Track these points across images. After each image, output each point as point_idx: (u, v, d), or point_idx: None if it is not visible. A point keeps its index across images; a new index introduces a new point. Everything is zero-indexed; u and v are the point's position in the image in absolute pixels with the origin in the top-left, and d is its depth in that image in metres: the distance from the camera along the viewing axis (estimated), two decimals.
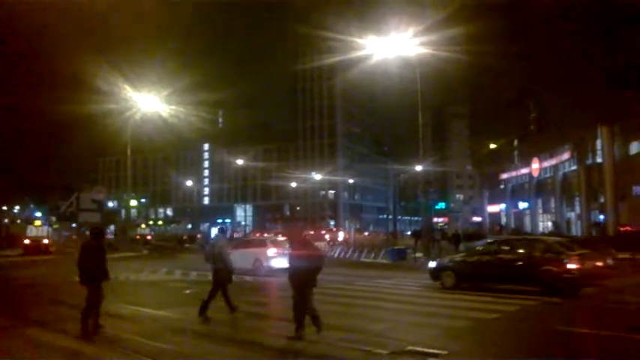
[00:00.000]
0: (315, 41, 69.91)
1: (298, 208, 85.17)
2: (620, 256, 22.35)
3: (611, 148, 32.63)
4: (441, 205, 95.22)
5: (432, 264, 16.05)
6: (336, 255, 32.60)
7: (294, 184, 77.52)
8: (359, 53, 29.65)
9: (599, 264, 13.92)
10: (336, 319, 9.80)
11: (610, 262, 16.25)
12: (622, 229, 29.65)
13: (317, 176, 73.21)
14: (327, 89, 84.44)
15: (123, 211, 60.64)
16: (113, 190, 78.44)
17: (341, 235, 55.35)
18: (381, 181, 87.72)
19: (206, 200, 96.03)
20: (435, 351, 7.55)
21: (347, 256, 31.55)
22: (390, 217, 73.66)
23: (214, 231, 68.95)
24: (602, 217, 34.22)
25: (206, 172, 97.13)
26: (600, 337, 8.49)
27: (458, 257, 16.02)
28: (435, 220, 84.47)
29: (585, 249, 14.62)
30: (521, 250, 14.16)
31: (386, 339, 8.30)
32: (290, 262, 8.63)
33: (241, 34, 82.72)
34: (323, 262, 8.85)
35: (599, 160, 34.11)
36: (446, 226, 74.30)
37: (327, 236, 51.86)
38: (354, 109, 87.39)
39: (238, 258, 21.54)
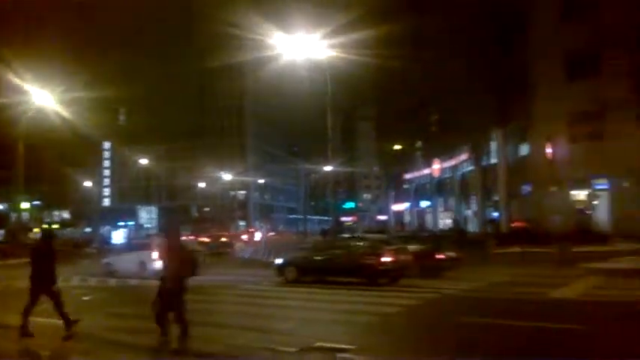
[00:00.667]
0: (223, 39, 68.82)
1: (207, 209, 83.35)
2: (510, 250, 24.12)
3: (504, 150, 35.05)
4: (350, 205, 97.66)
5: (278, 260, 17.14)
6: (247, 256, 32.44)
7: (202, 185, 75.75)
8: (268, 53, 29.57)
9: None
10: (243, 319, 9.69)
11: (453, 254, 18.09)
12: (512, 225, 31.99)
13: (226, 176, 72.10)
14: (237, 88, 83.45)
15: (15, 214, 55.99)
16: (3, 192, 72.20)
17: (258, 236, 55.28)
18: (292, 182, 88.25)
19: (106, 202, 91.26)
20: (344, 346, 7.68)
21: (258, 256, 31.40)
22: (301, 216, 74.36)
23: (119, 233, 65.63)
24: (496, 214, 36.68)
25: (107, 172, 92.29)
26: (504, 327, 9.06)
27: (299, 254, 17.27)
28: (344, 219, 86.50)
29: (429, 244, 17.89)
30: (349, 247, 16.24)
31: (293, 337, 8.33)
32: (162, 267, 7.97)
33: (146, 29, 79.54)
34: (194, 268, 7.93)
35: (493, 161, 36.51)
36: (354, 225, 76.06)
37: (244, 237, 51.50)
38: (264, 109, 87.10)
39: (124, 261, 20.75)
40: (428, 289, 13.60)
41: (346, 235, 26.28)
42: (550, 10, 30.34)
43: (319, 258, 16.14)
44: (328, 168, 39.26)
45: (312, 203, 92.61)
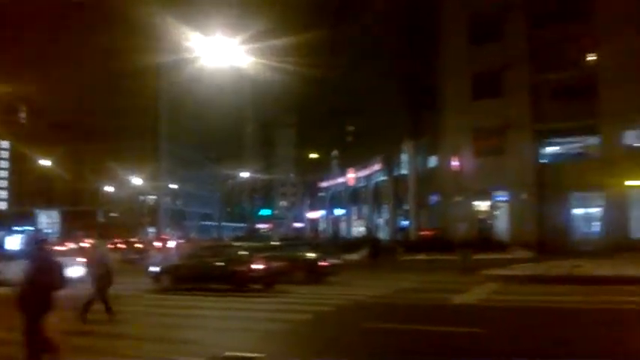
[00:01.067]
0: (139, 39, 66.29)
1: (114, 214, 79.47)
2: (418, 257, 25.11)
3: (414, 161, 36.57)
4: (266, 212, 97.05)
5: (154, 268, 17.18)
6: (156, 263, 31.28)
7: (110, 189, 72.19)
8: (185, 55, 28.84)
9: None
10: (148, 330, 9.35)
11: (336, 261, 19.21)
12: (421, 233, 33.38)
13: (136, 180, 69.24)
14: (151, 89, 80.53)
15: None
16: None
17: (172, 243, 53.49)
18: (207, 187, 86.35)
19: (2, 205, 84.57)
20: (253, 355, 7.61)
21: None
22: (215, 223, 72.92)
23: (14, 239, 60.82)
24: (406, 222, 38.09)
25: (3, 174, 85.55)
26: (408, 332, 9.39)
27: (174, 262, 17.62)
28: (260, 226, 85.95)
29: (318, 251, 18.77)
30: (221, 255, 16.51)
31: (201, 346, 8.14)
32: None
33: (51, 24, 74.91)
34: (59, 282, 6.70)
35: (404, 171, 37.95)
36: (270, 232, 75.69)
37: (157, 244, 49.66)
38: (180, 112, 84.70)
39: (16, 268, 19.39)
40: (305, 295, 14.21)
41: (219, 244, 27.32)
42: (460, 32, 32.19)
43: (193, 265, 16.21)
44: (245, 174, 38.91)
45: (228, 210, 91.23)
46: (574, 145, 31.72)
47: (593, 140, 30.15)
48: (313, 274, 17.28)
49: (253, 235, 52.66)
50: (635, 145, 28.83)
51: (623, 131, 28.80)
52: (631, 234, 28.07)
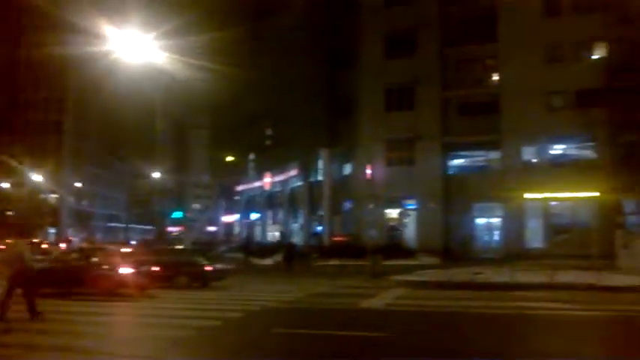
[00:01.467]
0: (46, 29, 62.23)
1: (10, 213, 73.65)
2: (331, 262, 25.48)
3: (329, 168, 37.15)
4: (178, 214, 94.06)
5: None
6: None
7: (6, 185, 66.88)
8: (96, 49, 27.42)
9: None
10: (39, 338, 8.73)
11: (223, 266, 19.59)
12: (334, 239, 33.92)
13: (36, 177, 64.73)
14: (57, 81, 75.70)
15: None
16: None
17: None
18: (116, 187, 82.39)
19: None
20: None
21: None
22: (123, 225, 69.67)
23: None
24: (320, 228, 38.54)
25: None
26: (316, 336, 9.46)
27: (40, 265, 17.07)
28: (171, 229, 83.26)
29: None
30: (87, 259, 16.17)
31: (99, 355, 7.72)
32: None
33: None
34: None
35: (320, 178, 38.42)
36: (181, 235, 73.59)
37: (62, 245, 46.80)
38: (88, 107, 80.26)
39: None
40: (184, 300, 14.22)
41: (87, 247, 26.93)
42: (376, 45, 33.27)
43: (59, 269, 15.71)
44: (156, 175, 37.56)
45: (137, 211, 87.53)
46: (478, 158, 33.72)
47: (495, 154, 32.21)
48: (198, 279, 17.30)
49: (162, 238, 51.05)
50: (533, 160, 31.17)
51: (522, 147, 31.02)
52: (526, 243, 30.27)
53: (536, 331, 10.06)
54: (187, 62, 26.28)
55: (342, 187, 35.83)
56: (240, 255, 26.12)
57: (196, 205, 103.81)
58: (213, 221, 72.98)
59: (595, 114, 21.89)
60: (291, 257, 24.50)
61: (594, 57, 29.13)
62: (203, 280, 17.40)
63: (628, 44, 22.07)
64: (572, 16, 29.70)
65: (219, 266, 18.68)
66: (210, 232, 70.21)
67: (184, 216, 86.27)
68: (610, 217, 21.20)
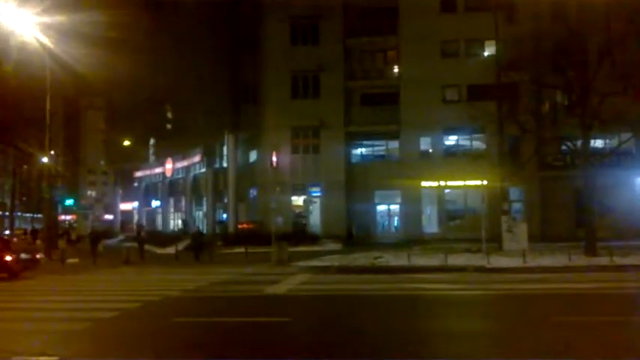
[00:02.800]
0: None
1: None
2: (236, 250, 25.23)
3: (234, 155, 36.65)
4: (70, 202, 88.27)
5: None
6: None
7: None
8: None
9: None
10: None
11: (29, 256, 19.66)
12: (240, 226, 33.64)
13: None
14: None
15: None
16: None
17: None
18: None
19: None
20: (45, 358, 6.92)
21: None
22: (7, 214, 64.14)
23: None
24: (225, 215, 38.02)
25: None
26: (219, 324, 9.36)
27: None
28: (64, 217, 77.88)
29: None
30: None
31: None
32: None
33: None
34: None
35: (225, 164, 37.80)
36: (75, 224, 69.27)
37: None
38: None
39: None
40: None
41: None
42: (281, 32, 33.15)
43: None
44: (45, 159, 34.94)
45: (24, 199, 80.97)
46: (379, 147, 34.93)
47: (394, 144, 33.54)
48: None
49: (52, 226, 47.76)
50: (429, 150, 32.85)
51: (419, 137, 32.57)
52: (423, 229, 31.98)
53: (431, 309, 10.70)
54: (80, 39, 24.57)
55: (247, 174, 35.55)
56: (135, 244, 25.01)
57: (91, 192, 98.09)
58: (110, 209, 69.41)
59: (485, 108, 23.43)
60: (200, 246, 23.69)
61: (485, 54, 31.17)
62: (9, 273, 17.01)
63: (514, 43, 23.76)
64: (465, 14, 31.54)
65: (26, 256, 18.73)
66: (107, 221, 66.76)
67: (78, 204, 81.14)
68: (497, 204, 22.91)
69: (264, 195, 31.93)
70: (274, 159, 30.48)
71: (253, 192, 35.02)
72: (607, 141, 28.00)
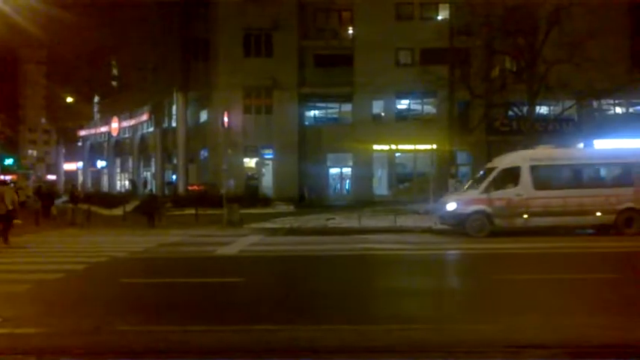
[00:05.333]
0: None
1: None
2: (186, 212, 24.87)
3: (184, 114, 35.65)
4: (10, 161, 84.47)
5: None
6: None
7: None
8: None
9: None
10: None
11: None
12: (190, 188, 33.08)
13: None
14: None
15: None
16: None
17: None
18: None
19: None
20: None
21: None
22: None
23: None
24: (174, 177, 37.26)
25: None
26: (168, 285, 9.25)
27: None
28: (3, 177, 74.34)
29: None
30: None
31: None
32: None
33: None
34: None
35: (174, 124, 36.80)
36: (22, 184, 66.28)
37: None
38: None
39: None
40: None
41: None
42: None
43: None
44: None
45: None
46: (332, 110, 34.82)
47: (347, 107, 33.51)
48: None
49: None
50: (381, 114, 33.04)
51: (372, 100, 32.64)
52: (374, 191, 32.46)
53: (383, 269, 10.96)
54: None
55: (197, 134, 34.78)
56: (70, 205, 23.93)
57: (32, 152, 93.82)
58: (53, 169, 66.77)
59: (437, 72, 23.66)
60: (152, 210, 22.26)
61: (439, 18, 31.25)
62: None
63: (467, 8, 23.93)
64: None
65: None
66: (50, 181, 64.21)
67: (18, 163, 77.55)
68: (445, 167, 23.46)
69: (216, 156, 31.38)
70: (226, 119, 29.89)
71: (204, 153, 34.38)
72: (552, 108, 28.94)
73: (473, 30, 25.04)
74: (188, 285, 9.26)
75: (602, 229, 15.59)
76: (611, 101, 31.18)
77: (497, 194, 15.73)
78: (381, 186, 33.02)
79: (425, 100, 32.67)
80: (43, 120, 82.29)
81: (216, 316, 6.99)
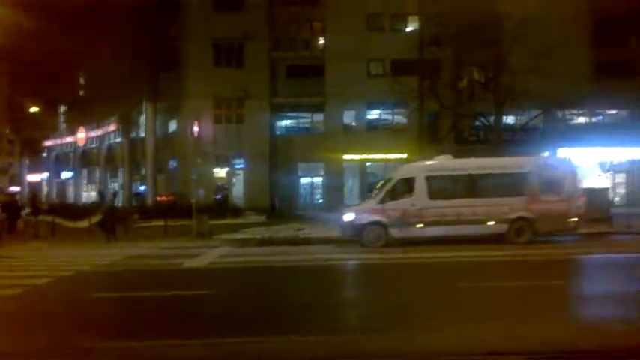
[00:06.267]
0: None
1: None
2: (154, 223, 24.35)
3: (153, 124, 35.12)
4: None
5: None
6: None
7: None
8: None
9: None
10: None
11: None
12: (158, 199, 32.54)
13: None
14: None
15: None
16: None
17: None
18: None
19: None
20: None
21: None
22: None
23: None
24: (142, 187, 36.58)
25: None
26: (136, 298, 8.98)
27: None
28: None
29: None
30: None
31: None
32: None
33: None
34: None
35: (142, 134, 36.20)
36: None
37: None
38: None
39: None
40: None
41: None
42: None
43: None
44: None
45: None
46: (304, 120, 34.81)
47: (318, 117, 33.55)
48: None
49: None
50: (353, 124, 33.19)
51: (343, 110, 32.78)
52: (345, 201, 32.41)
53: (353, 279, 10.90)
54: None
55: (167, 145, 34.30)
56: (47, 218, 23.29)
57: None
58: (17, 181, 64.80)
59: (408, 83, 23.92)
60: (112, 224, 21.50)
61: (409, 29, 31.65)
62: None
63: (437, 20, 24.31)
64: None
65: None
66: (14, 193, 62.27)
67: None
68: None
69: (185, 166, 30.96)
70: (195, 129, 29.53)
71: (173, 163, 33.90)
72: (518, 118, 29.54)
73: (442, 41, 25.46)
74: (156, 298, 9.02)
75: (495, 238, 15.48)
76: (575, 111, 32.02)
77: (392, 205, 15.73)
78: (352, 196, 33.03)
79: (395, 111, 32.95)
80: (7, 130, 79.97)
81: (185, 330, 6.81)
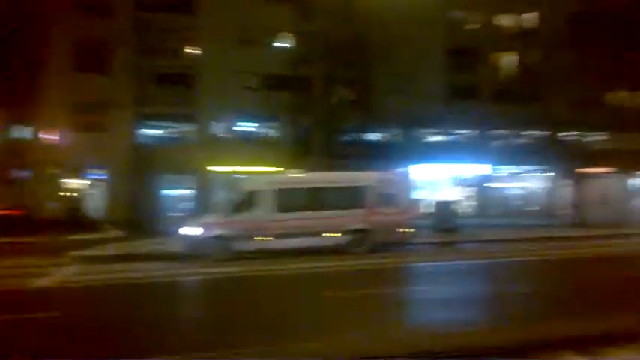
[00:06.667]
0: None
1: None
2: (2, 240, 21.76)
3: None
4: None
5: None
6: None
7: None
8: None
9: None
10: None
11: None
12: (0, 212, 29.10)
13: None
14: None
15: None
16: None
17: None
18: None
19: None
20: None
21: None
22: None
23: None
24: None
25: None
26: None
27: None
28: None
29: None
30: None
31: None
32: None
33: None
34: None
35: None
36: None
37: None
38: None
39: None
40: None
41: None
42: None
43: None
44: None
45: None
46: (173, 130, 33.54)
47: (188, 127, 32.56)
48: None
49: None
50: (222, 135, 32.69)
51: (214, 122, 32.19)
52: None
53: (210, 293, 10.57)
54: None
55: (12, 153, 30.88)
56: None
57: None
58: None
59: (280, 97, 24.18)
60: None
61: (283, 45, 32.02)
62: None
63: (309, 38, 24.95)
64: (265, 4, 31.86)
65: None
66: None
67: None
68: None
69: (35, 176, 28.25)
70: (49, 137, 27.14)
71: (21, 173, 30.65)
72: (382, 135, 31.21)
73: (313, 59, 26.16)
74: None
75: (340, 249, 16.36)
76: (432, 130, 34.67)
77: (238, 217, 15.94)
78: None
79: (267, 124, 33.05)
80: None
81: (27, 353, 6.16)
